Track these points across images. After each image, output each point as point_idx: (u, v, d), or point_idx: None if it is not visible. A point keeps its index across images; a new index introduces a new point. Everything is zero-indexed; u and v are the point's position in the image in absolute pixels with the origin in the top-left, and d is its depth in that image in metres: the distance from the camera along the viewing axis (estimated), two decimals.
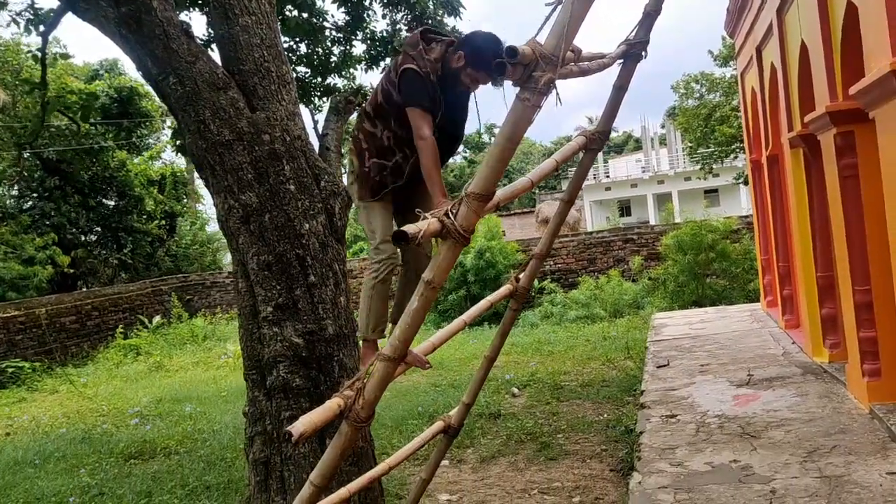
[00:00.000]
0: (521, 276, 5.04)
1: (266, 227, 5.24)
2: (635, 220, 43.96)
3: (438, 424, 5.25)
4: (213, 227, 25.01)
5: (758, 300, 12.86)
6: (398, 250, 3.91)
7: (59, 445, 8.96)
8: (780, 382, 6.59)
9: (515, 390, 9.61)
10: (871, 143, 5.10)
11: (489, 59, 3.44)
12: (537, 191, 51.79)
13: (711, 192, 43.76)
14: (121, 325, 17.33)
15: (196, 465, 7.55)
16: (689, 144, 26.64)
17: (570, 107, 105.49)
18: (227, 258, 27.26)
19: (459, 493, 6.22)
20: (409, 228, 2.99)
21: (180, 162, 25.12)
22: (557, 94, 3.09)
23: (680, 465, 4.84)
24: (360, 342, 3.98)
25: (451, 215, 3.10)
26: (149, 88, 22.70)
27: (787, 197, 8.50)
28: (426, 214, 3.16)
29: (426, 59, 3.51)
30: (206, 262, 23.69)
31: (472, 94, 3.84)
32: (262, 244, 5.26)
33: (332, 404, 3.26)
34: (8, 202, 20.39)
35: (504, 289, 4.96)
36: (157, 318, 18.39)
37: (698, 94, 24.96)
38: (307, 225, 5.35)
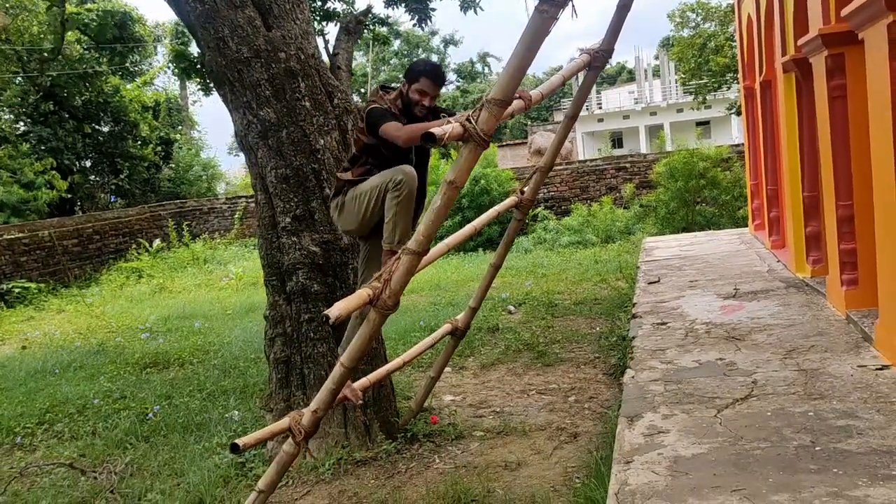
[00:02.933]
0: (525, 188, 5.38)
1: (283, 142, 5.51)
2: (627, 152, 44.03)
3: (447, 327, 5.67)
4: (207, 153, 25.13)
5: (745, 227, 13.27)
6: (411, 173, 4.12)
7: (75, 357, 9.36)
8: (765, 295, 7.01)
9: (511, 308, 10.03)
10: (859, 64, 5.38)
11: (420, 67, 4.14)
12: (529, 122, 51.70)
13: (703, 124, 43.74)
14: (132, 248, 17.64)
15: (211, 372, 7.97)
16: (682, 75, 26.61)
17: (561, 40, 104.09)
18: (220, 187, 27.43)
19: (462, 395, 6.67)
20: (436, 130, 3.30)
21: (174, 88, 25.06)
22: (573, 5, 3.41)
23: (670, 362, 5.26)
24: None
25: (472, 120, 3.41)
26: (142, 12, 22.45)
27: (778, 121, 8.78)
28: (451, 119, 3.45)
29: (385, 100, 4.13)
30: (203, 189, 23.85)
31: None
32: (279, 158, 5.54)
33: (363, 293, 3.62)
34: (4, 127, 20.35)
35: (510, 199, 5.31)
36: (157, 242, 18.69)
37: (694, 24, 24.88)
38: (322, 140, 5.62)
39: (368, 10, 8.00)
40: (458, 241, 4.60)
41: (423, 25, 11.07)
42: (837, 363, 4.76)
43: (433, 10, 10.77)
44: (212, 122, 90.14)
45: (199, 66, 11.05)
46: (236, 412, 6.51)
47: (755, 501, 3.08)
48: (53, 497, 4.92)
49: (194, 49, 11.35)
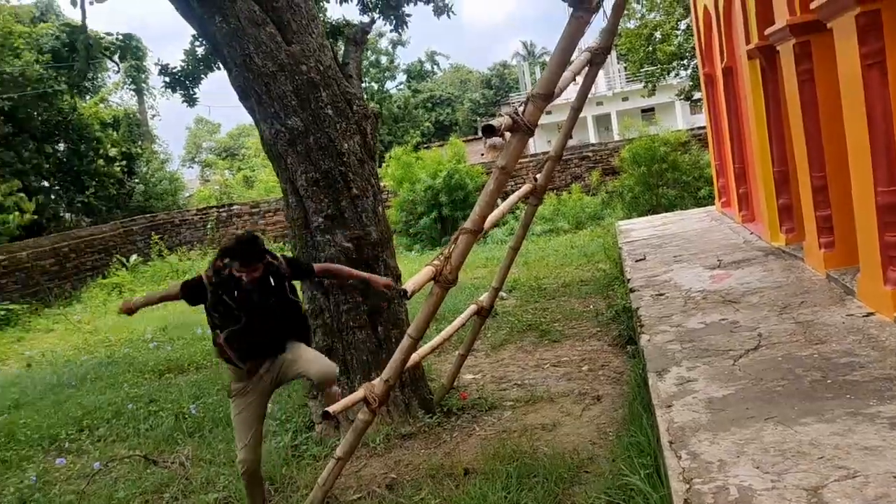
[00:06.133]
0: (538, 175, 5.93)
1: (311, 148, 5.95)
2: (576, 142, 45.01)
3: (472, 308, 6.20)
4: (171, 166, 25.09)
5: (707, 206, 14.06)
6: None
7: (87, 369, 9.59)
8: (747, 263, 7.67)
9: (503, 294, 10.55)
10: (824, 50, 6.05)
11: (226, 246, 4.44)
12: (478, 118, 52.56)
13: (648, 111, 44.96)
14: (112, 263, 17.65)
15: None
16: (630, 65, 27.50)
17: (501, 35, 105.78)
18: (182, 197, 27.35)
19: (481, 373, 7.19)
20: (493, 122, 3.80)
21: (132, 103, 25.01)
22: (604, 10, 4.03)
23: (678, 326, 5.84)
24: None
25: (519, 113, 3.93)
26: (96, 29, 22.34)
27: (742, 104, 9.49)
28: (503, 113, 3.95)
29: (211, 269, 4.48)
30: (169, 202, 23.87)
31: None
32: (308, 163, 5.97)
33: (427, 271, 4.13)
34: None
35: (526, 187, 5.87)
36: (133, 257, 18.76)
37: (639, 14, 25.73)
38: (346, 144, 6.08)
39: (372, 21, 8.44)
40: (494, 223, 5.08)
41: (400, 31, 11.53)
42: (828, 314, 5.40)
43: (408, 16, 11.23)
44: (165, 135, 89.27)
45: (181, 78, 11.32)
46: (270, 404, 6.88)
47: (788, 424, 3.66)
48: (131, 484, 5.29)
49: (169, 60, 11.61)
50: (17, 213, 18.17)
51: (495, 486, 4.41)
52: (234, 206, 21.45)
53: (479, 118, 52.31)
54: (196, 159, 49.96)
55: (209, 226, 20.77)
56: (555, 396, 6.09)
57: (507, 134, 3.96)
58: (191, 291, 4.53)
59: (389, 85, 45.27)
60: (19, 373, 10.38)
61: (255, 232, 4.75)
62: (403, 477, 4.99)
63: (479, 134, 45.30)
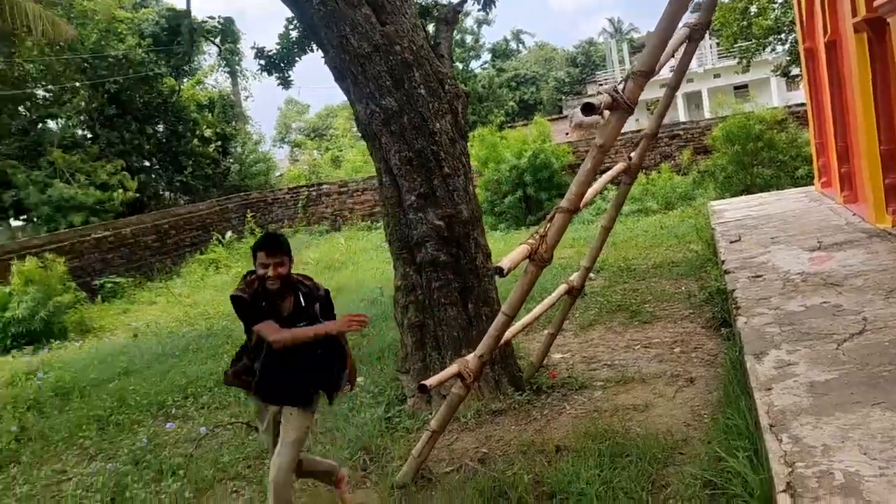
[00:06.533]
0: (632, 154, 5.86)
1: (405, 128, 6.04)
2: (666, 121, 43.86)
3: (563, 287, 6.20)
4: (263, 147, 25.86)
5: (805, 186, 13.52)
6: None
7: (188, 341, 10.05)
8: (849, 245, 7.38)
9: (591, 274, 10.46)
10: None
11: (254, 245, 4.21)
12: (563, 97, 51.89)
13: (741, 88, 43.37)
14: (212, 240, 18.42)
15: None
16: (723, 40, 26.58)
17: (586, 13, 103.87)
18: (273, 177, 28.12)
19: (570, 352, 7.19)
20: (593, 100, 3.79)
21: (226, 85, 25.83)
22: None
23: (777, 308, 5.70)
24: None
25: (619, 91, 3.90)
26: (195, 14, 23.06)
27: (846, 79, 9.08)
28: (601, 91, 3.93)
29: (247, 282, 4.20)
30: (261, 181, 24.64)
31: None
32: (402, 142, 6.06)
33: (522, 249, 4.18)
34: (78, 131, 21.30)
35: (620, 165, 5.81)
36: (229, 234, 19.49)
37: None
38: (438, 124, 6.14)
39: (464, 0, 8.46)
40: (589, 200, 5.06)
41: (487, 10, 11.48)
42: None
43: None
44: (258, 116, 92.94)
45: (276, 61, 11.63)
46: (361, 378, 7.08)
47: None
48: (234, 450, 5.57)
49: (264, 44, 11.92)
50: (120, 190, 19.12)
51: (588, 464, 4.44)
52: (324, 186, 21.93)
53: (563, 97, 51.62)
54: (286, 139, 51.24)
55: (300, 204, 21.35)
56: (646, 377, 6.05)
57: (606, 112, 3.95)
58: (250, 312, 4.16)
59: (474, 64, 45.06)
60: (126, 342, 10.97)
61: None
62: (495, 452, 5.08)
63: (565, 113, 44.74)
